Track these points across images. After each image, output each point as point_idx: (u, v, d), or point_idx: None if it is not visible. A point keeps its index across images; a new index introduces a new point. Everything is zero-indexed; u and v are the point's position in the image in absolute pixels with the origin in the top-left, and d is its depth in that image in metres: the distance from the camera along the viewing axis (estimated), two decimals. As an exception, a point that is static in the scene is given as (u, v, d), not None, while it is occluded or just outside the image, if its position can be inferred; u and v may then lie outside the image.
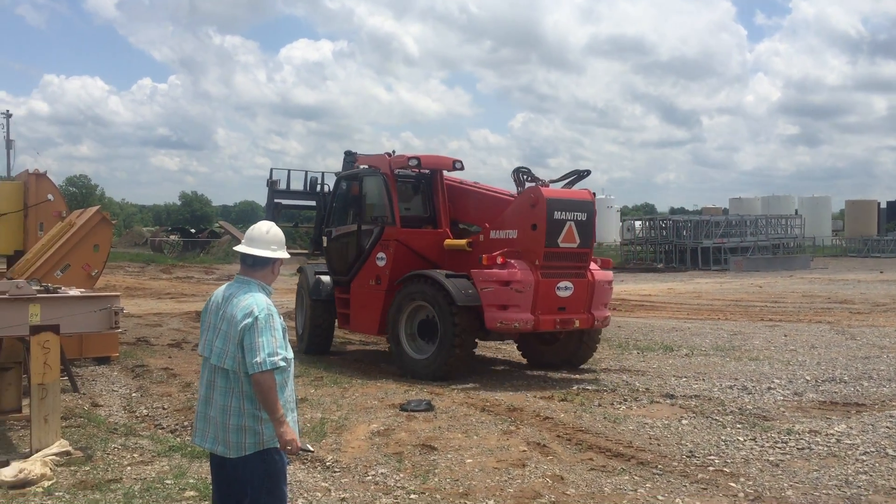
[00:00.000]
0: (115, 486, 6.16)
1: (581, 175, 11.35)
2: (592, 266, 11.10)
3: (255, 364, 4.01)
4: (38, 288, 7.74)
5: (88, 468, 6.63)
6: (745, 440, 7.58)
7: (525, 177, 11.18)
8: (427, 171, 12.24)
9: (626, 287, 30.04)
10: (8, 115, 54.13)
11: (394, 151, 12.34)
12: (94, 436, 7.68)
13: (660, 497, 5.99)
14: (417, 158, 11.77)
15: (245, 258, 4.41)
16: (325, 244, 13.10)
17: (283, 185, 14.82)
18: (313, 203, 14.78)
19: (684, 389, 10.02)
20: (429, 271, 10.99)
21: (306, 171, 14.91)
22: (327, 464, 6.83)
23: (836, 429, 7.95)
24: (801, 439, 7.58)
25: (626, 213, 78.73)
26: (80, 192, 75.73)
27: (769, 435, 7.74)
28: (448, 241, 11.76)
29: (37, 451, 6.67)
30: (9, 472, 6.17)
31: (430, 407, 8.92)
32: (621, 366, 11.95)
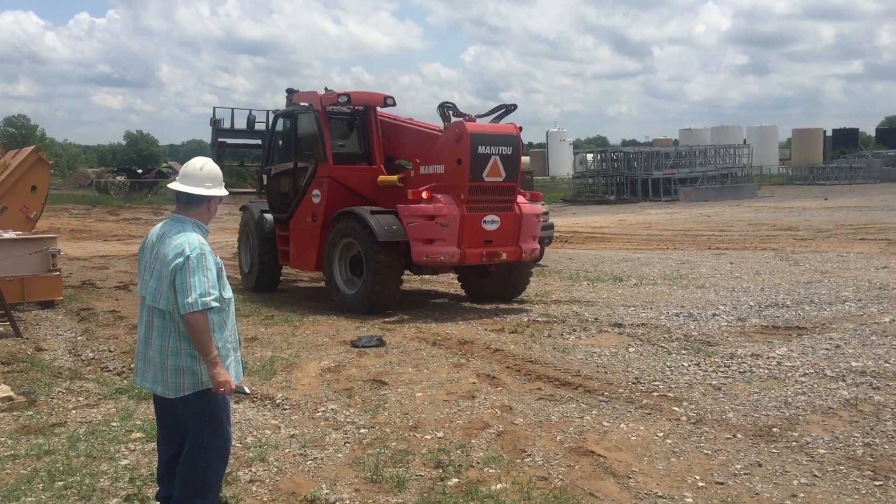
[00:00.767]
0: (60, 430, 6.08)
1: (508, 109, 11.36)
2: (520, 199, 11.19)
3: (186, 304, 3.92)
4: (-31, 232, 7.49)
5: (32, 413, 6.52)
6: (690, 365, 7.74)
7: (450, 111, 11.19)
8: (360, 108, 12.22)
9: (578, 219, 30.29)
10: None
11: (326, 88, 12.25)
12: (37, 380, 7.54)
13: (605, 423, 6.11)
14: (347, 95, 11.76)
15: (179, 196, 4.28)
16: (265, 182, 13.14)
17: (227, 124, 14.60)
18: (258, 142, 14.61)
19: (632, 318, 10.17)
20: (355, 208, 11.04)
21: (250, 110, 14.72)
22: (277, 401, 6.81)
23: (777, 352, 8.17)
24: (744, 363, 7.77)
25: (578, 146, 78.88)
26: (20, 133, 73.21)
27: (712, 360, 7.92)
28: (381, 178, 11.84)
29: (-23, 398, 6.53)
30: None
31: (381, 342, 8.94)
32: (571, 297, 12.08)
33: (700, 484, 4.97)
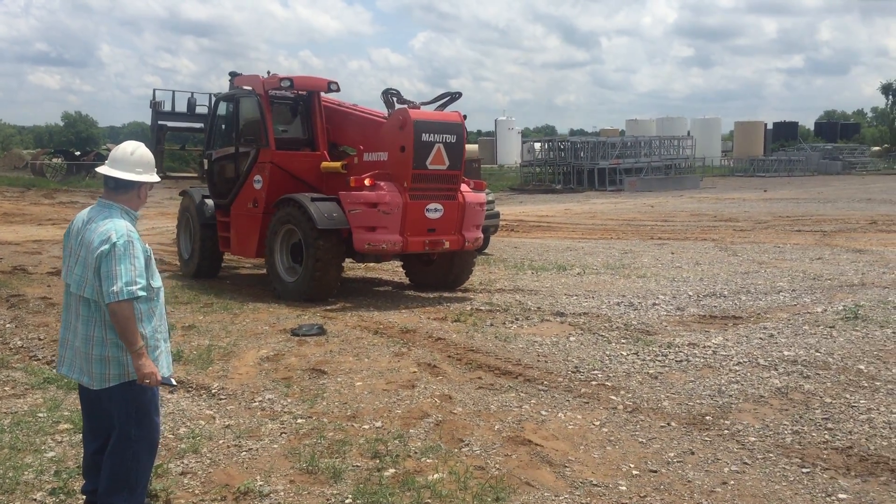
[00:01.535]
0: (-17, 421, 5.87)
1: (453, 97, 11.24)
2: (464, 188, 11.13)
3: (111, 293, 3.80)
4: None
5: (-46, 404, 6.29)
6: (628, 354, 7.83)
7: (394, 98, 11.07)
8: (304, 93, 12.04)
9: (525, 208, 30.44)
10: None
11: (269, 72, 12.01)
12: (-38, 370, 7.27)
13: (543, 412, 6.14)
14: (290, 79, 11.52)
15: (107, 180, 4.15)
16: (205, 167, 12.89)
17: (167, 107, 14.25)
18: (200, 126, 14.29)
19: (574, 307, 10.25)
20: (296, 195, 10.86)
21: (192, 93, 14.43)
22: (213, 391, 6.69)
23: (713, 341, 8.31)
24: (680, 352, 7.88)
25: (527, 135, 79.24)
26: (-49, 113, 70.54)
27: (651, 349, 8.02)
28: (324, 164, 11.65)
29: None
30: None
31: (321, 331, 8.85)
32: (515, 286, 12.12)
33: (634, 472, 5.02)
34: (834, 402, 6.31)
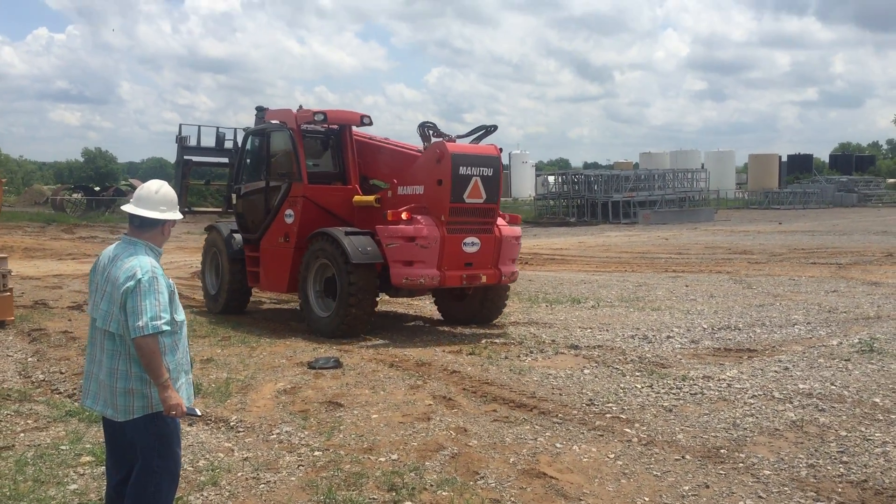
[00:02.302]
0: (7, 453, 5.97)
1: (488, 130, 11.20)
2: (500, 222, 11.06)
3: (136, 328, 3.91)
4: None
5: (-22, 437, 6.40)
6: (643, 387, 7.86)
7: (431, 132, 10.99)
8: (335, 127, 12.03)
9: (539, 241, 30.52)
10: None
11: (301, 106, 12.07)
12: (-15, 403, 7.40)
13: (558, 444, 6.18)
14: (324, 113, 11.51)
15: (132, 218, 4.28)
16: (234, 201, 12.84)
17: (192, 142, 14.23)
18: (225, 160, 14.38)
19: (588, 340, 10.29)
20: (329, 229, 10.81)
21: (217, 127, 14.42)
22: (231, 424, 6.77)
23: (727, 374, 8.33)
24: (695, 385, 7.90)
25: (540, 168, 79.62)
26: (-26, 149, 71.67)
27: (665, 382, 8.04)
28: (356, 198, 11.62)
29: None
30: None
31: (338, 364, 8.93)
32: (529, 318, 12.18)
33: (649, 505, 5.05)
34: (849, 435, 6.31)
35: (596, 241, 29.91)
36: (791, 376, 8.21)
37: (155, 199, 4.29)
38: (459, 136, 11.11)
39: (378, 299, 10.94)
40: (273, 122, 12.30)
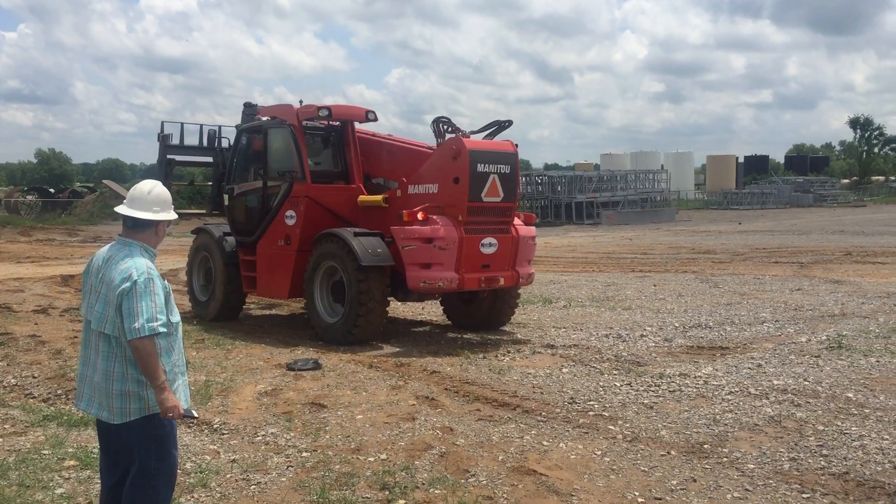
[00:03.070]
0: (-13, 459, 5.85)
1: (502, 125, 10.64)
2: (516, 221, 10.61)
3: (133, 330, 3.87)
4: None
5: (-45, 443, 6.26)
6: (622, 385, 7.96)
7: (445, 127, 10.40)
8: (336, 123, 11.50)
9: (504, 242, 30.60)
10: None
11: (301, 102, 11.47)
12: (-42, 409, 7.23)
13: (545, 442, 6.23)
14: (328, 108, 10.98)
15: (125, 219, 4.22)
16: (226, 203, 12.24)
17: (175, 140, 13.48)
18: (209, 159, 13.69)
19: (564, 339, 10.39)
20: (337, 230, 10.32)
21: (201, 125, 13.71)
22: (215, 426, 6.71)
23: (703, 371, 8.47)
24: (672, 382, 8.03)
25: (502, 169, 79.79)
26: (-77, 150, 69.80)
27: (643, 379, 8.16)
28: (362, 198, 11.07)
29: None
30: None
31: (317, 365, 8.90)
32: (503, 318, 12.20)
33: (640, 500, 5.12)
34: (826, 429, 6.47)
35: (561, 242, 30.14)
36: (765, 373, 8.38)
37: (148, 199, 4.24)
38: (472, 132, 10.54)
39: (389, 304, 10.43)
40: (269, 118, 11.82)
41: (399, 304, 11.93)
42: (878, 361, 8.73)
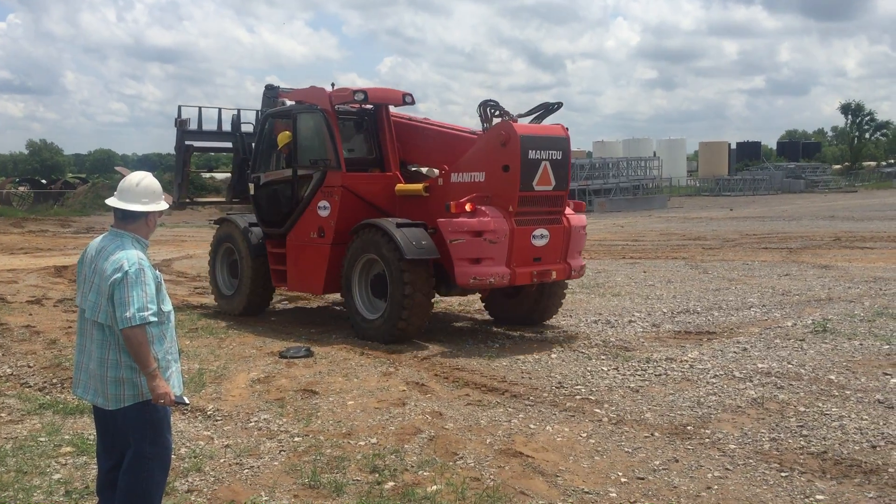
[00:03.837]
0: (-16, 447, 5.96)
1: (551, 108, 9.91)
2: (567, 210, 9.98)
3: (124, 319, 3.98)
4: None
5: (-48, 431, 6.37)
6: (609, 370, 8.10)
7: (493, 111, 9.64)
8: (369, 107, 10.88)
9: (497, 230, 30.73)
10: None
11: (333, 84, 10.78)
12: (-46, 398, 7.33)
13: (532, 426, 6.37)
14: (364, 91, 10.33)
15: (116, 211, 4.33)
16: (252, 192, 11.54)
17: (193, 125, 12.83)
18: (229, 145, 13.04)
19: (553, 325, 10.52)
20: (378, 220, 9.73)
21: (219, 109, 13.08)
22: (208, 413, 6.84)
23: (689, 356, 8.62)
24: (659, 366, 8.17)
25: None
26: (-87, 142, 69.46)
27: (630, 364, 8.30)
28: (400, 186, 10.42)
29: None
30: None
31: (309, 353, 9.01)
32: (494, 306, 12.33)
33: (623, 480, 5.27)
34: (807, 410, 6.62)
35: (553, 229, 30.23)
36: (750, 356, 8.53)
37: (136, 191, 4.34)
38: (520, 116, 9.79)
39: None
40: (298, 102, 11.18)
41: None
42: (861, 345, 8.89)
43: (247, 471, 5.49)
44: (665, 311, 11.45)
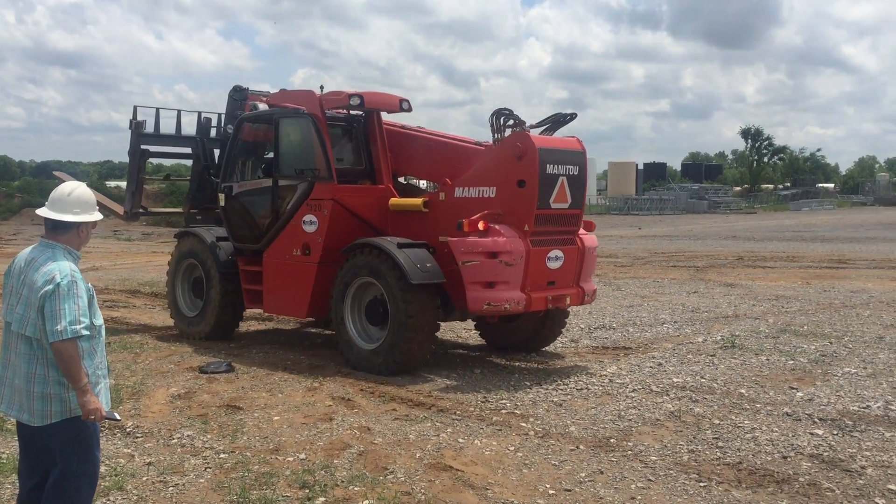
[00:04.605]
0: None
1: (563, 120, 9.14)
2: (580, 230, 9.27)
3: (55, 332, 3.87)
4: None
5: None
6: (532, 384, 8.25)
7: (506, 120, 8.86)
8: (359, 113, 10.07)
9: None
10: None
11: (322, 87, 9.85)
12: None
13: (460, 440, 6.44)
14: (360, 96, 9.43)
15: (46, 221, 4.21)
16: (222, 203, 10.53)
17: (150, 128, 11.84)
18: (188, 150, 12.04)
19: (473, 341, 10.64)
20: (375, 239, 8.86)
21: (179, 111, 12.23)
22: (128, 430, 6.65)
23: (608, 370, 8.86)
24: (580, 381, 8.37)
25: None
26: None
27: (552, 378, 8.48)
28: (394, 201, 9.56)
29: None
30: None
31: (230, 368, 8.86)
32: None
33: (551, 492, 5.38)
34: (722, 423, 6.90)
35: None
36: (665, 371, 8.84)
37: (68, 201, 4.23)
38: (531, 126, 9.02)
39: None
40: (281, 106, 10.20)
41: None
42: (767, 360, 9.31)
43: (171, 489, 5.37)
44: (582, 326, 11.72)
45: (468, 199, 8.89)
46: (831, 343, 10.18)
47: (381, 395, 7.83)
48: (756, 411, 7.23)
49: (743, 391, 7.93)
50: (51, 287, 3.95)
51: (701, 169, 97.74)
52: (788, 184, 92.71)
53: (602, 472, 5.73)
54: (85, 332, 3.98)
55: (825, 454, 6.06)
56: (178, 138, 12.18)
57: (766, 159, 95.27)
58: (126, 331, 11.42)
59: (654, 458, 6.01)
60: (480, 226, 8.36)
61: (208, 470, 5.72)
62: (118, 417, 4.33)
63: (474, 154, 9.29)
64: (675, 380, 8.42)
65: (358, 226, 9.46)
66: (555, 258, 8.71)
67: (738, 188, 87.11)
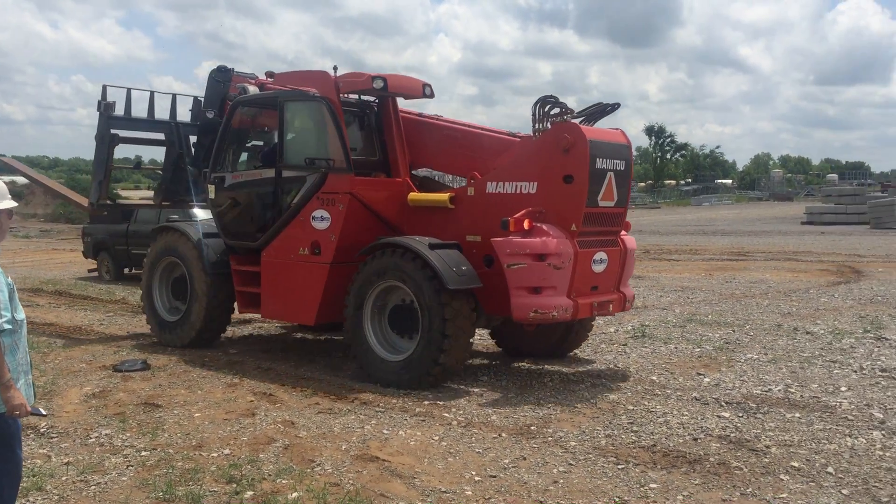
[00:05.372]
0: None
1: (606, 110, 8.30)
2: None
3: None
4: None
5: None
6: (450, 377, 8.38)
7: (551, 109, 8.02)
8: (373, 99, 9.25)
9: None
10: None
11: (336, 68, 8.77)
12: None
13: (385, 431, 6.51)
14: (383, 78, 8.52)
15: (-39, 215, 4.08)
16: (212, 196, 9.64)
17: (120, 111, 10.75)
18: (161, 136, 10.95)
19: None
20: (403, 239, 8.02)
21: (152, 92, 10.94)
22: (42, 430, 6.46)
23: (525, 362, 9.08)
24: (499, 372, 8.57)
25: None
26: None
27: (471, 370, 8.64)
28: (414, 196, 8.73)
29: None
30: None
31: (146, 366, 8.69)
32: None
33: (476, 478, 5.52)
34: (635, 408, 7.19)
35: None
36: (579, 360, 9.12)
37: (-24, 191, 4.12)
38: (573, 116, 8.14)
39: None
40: (288, 88, 9.12)
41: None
42: (676, 348, 9.72)
43: (93, 487, 5.26)
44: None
45: (502, 196, 8.08)
46: (734, 331, 10.70)
47: (304, 389, 7.83)
48: (667, 396, 7.56)
49: (654, 378, 8.26)
50: (-31, 281, 3.84)
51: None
52: (690, 179, 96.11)
53: (525, 458, 5.90)
54: (7, 327, 3.88)
55: (732, 435, 6.40)
56: (151, 122, 10.99)
57: (668, 156, 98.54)
58: (31, 330, 10.99)
59: (573, 444, 6.23)
60: (525, 224, 7.64)
61: (130, 468, 5.62)
62: (44, 412, 4.24)
63: (508, 145, 8.55)
64: (589, 368, 8.70)
65: (375, 223, 8.67)
66: (599, 261, 7.98)
67: (643, 184, 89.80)
